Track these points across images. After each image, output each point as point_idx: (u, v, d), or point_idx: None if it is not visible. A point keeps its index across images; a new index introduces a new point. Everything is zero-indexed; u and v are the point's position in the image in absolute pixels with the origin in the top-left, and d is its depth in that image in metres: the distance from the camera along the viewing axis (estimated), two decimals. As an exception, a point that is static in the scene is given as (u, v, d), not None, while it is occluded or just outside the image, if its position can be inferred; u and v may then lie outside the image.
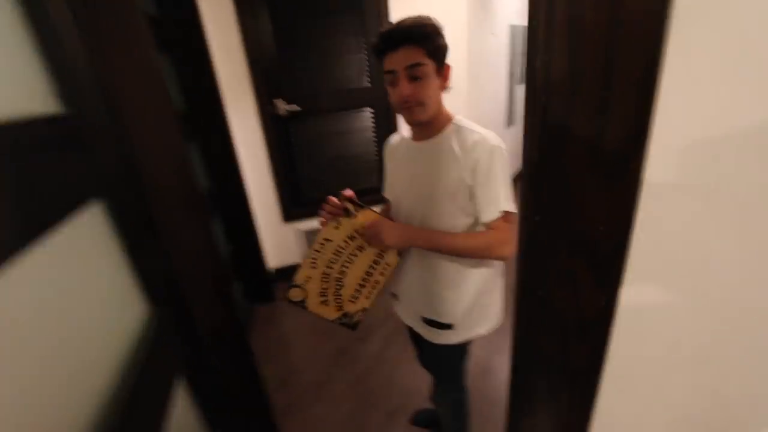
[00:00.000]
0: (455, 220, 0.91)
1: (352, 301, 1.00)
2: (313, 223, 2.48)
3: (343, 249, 0.94)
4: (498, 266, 1.02)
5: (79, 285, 0.52)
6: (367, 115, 2.38)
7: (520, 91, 4.11)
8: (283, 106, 2.19)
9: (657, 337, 0.41)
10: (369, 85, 2.29)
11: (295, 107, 2.21)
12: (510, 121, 3.81)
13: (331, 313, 1.02)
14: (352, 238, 0.93)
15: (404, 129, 1.01)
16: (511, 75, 3.64)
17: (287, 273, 1.01)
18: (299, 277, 0.97)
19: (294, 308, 1.01)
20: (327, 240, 0.93)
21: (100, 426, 0.47)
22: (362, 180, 2.52)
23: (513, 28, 3.46)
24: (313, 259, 0.95)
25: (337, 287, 0.98)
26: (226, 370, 0.96)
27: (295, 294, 0.99)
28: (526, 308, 0.49)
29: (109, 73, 0.58)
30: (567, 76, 0.37)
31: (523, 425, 0.61)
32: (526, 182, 0.44)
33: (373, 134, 2.43)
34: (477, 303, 0.99)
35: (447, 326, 0.99)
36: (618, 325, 0.41)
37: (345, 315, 1.02)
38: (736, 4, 0.30)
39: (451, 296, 0.97)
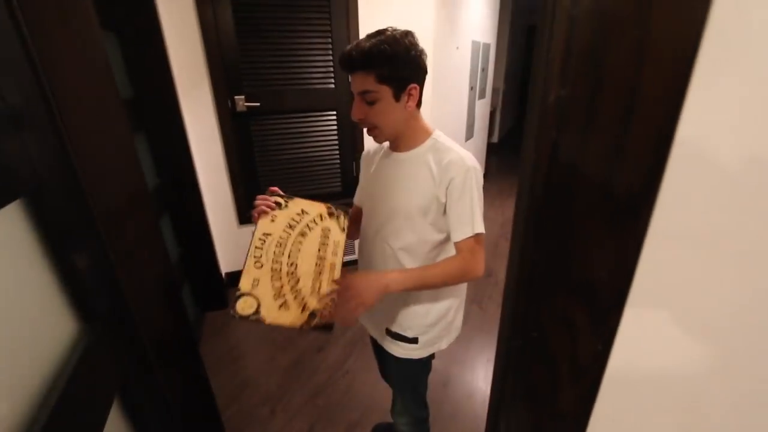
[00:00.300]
0: (427, 235, 0.90)
1: (316, 293, 0.87)
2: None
3: (285, 240, 0.87)
4: (463, 283, 1.02)
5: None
6: (330, 119, 2.33)
7: (480, 106, 4.27)
8: (242, 102, 2.07)
9: (646, 383, 0.41)
10: (333, 86, 2.24)
11: (255, 103, 2.10)
12: (469, 134, 3.93)
13: (295, 317, 0.83)
14: (291, 226, 0.87)
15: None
16: (471, 90, 3.76)
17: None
18: (244, 284, 0.84)
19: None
20: (266, 234, 0.86)
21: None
22: (323, 185, 2.46)
23: (474, 44, 3.58)
24: (256, 257, 0.86)
25: (293, 282, 0.86)
26: (173, 385, 0.86)
27: (244, 306, 0.82)
28: (516, 347, 0.47)
29: (42, 49, 0.49)
30: (583, 114, 0.36)
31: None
32: (526, 219, 0.42)
33: (336, 138, 2.38)
34: (443, 318, 0.98)
35: (412, 340, 0.97)
36: (610, 370, 0.41)
37: (313, 314, 0.84)
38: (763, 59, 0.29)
39: (419, 310, 0.96)
